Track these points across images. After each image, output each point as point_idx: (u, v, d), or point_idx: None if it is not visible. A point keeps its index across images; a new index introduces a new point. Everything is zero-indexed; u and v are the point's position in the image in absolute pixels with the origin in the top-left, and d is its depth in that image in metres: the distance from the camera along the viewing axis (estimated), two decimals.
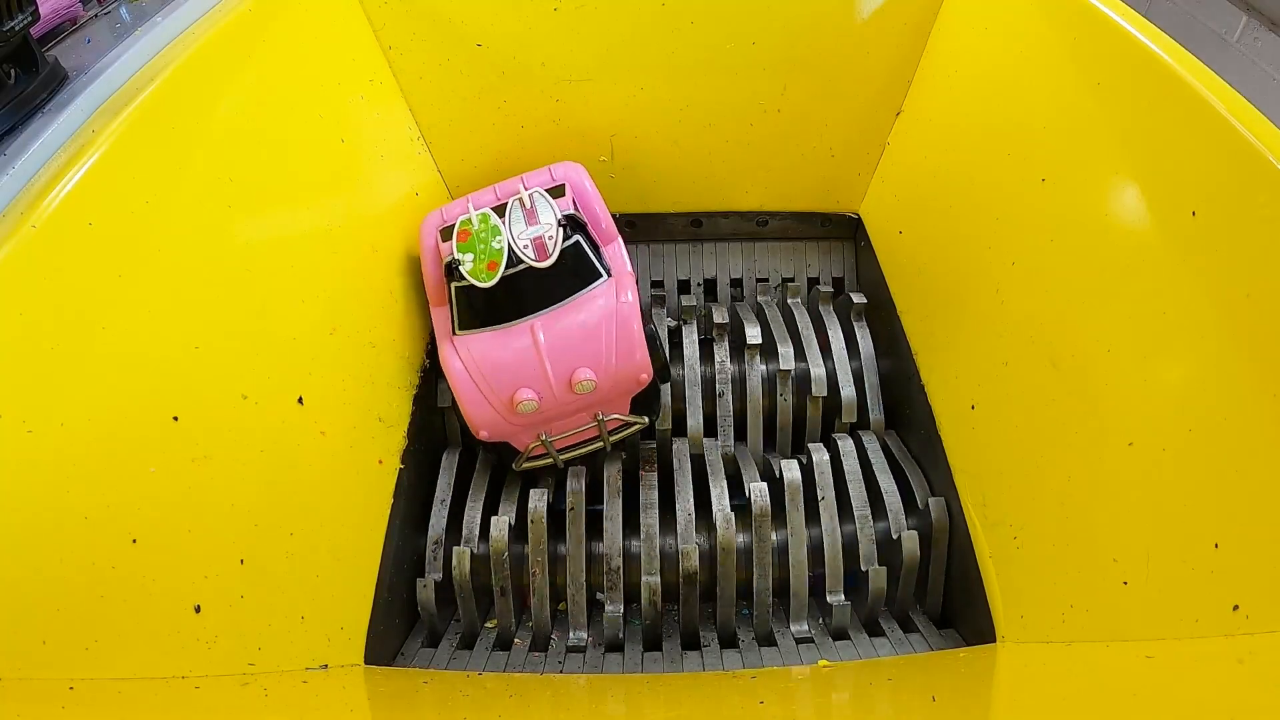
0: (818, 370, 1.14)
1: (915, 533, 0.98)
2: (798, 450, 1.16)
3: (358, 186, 1.10)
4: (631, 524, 1.03)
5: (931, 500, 1.00)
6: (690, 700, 0.81)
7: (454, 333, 1.04)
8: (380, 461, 0.99)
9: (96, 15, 1.02)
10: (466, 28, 1.20)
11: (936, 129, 1.17)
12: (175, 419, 0.73)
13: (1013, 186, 0.97)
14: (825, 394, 1.14)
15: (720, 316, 1.20)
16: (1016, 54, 1.03)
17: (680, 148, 1.28)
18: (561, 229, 1.02)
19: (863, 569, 0.97)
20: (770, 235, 1.36)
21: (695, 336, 1.20)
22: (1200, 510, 0.66)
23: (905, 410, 1.13)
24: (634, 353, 1.01)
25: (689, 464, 1.08)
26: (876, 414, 1.16)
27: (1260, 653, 0.57)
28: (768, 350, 1.18)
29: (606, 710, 0.80)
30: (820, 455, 1.06)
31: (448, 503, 1.04)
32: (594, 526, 1.03)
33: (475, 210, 1.05)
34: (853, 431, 1.13)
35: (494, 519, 1.00)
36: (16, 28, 0.78)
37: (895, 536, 0.98)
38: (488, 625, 1.01)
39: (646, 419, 1.08)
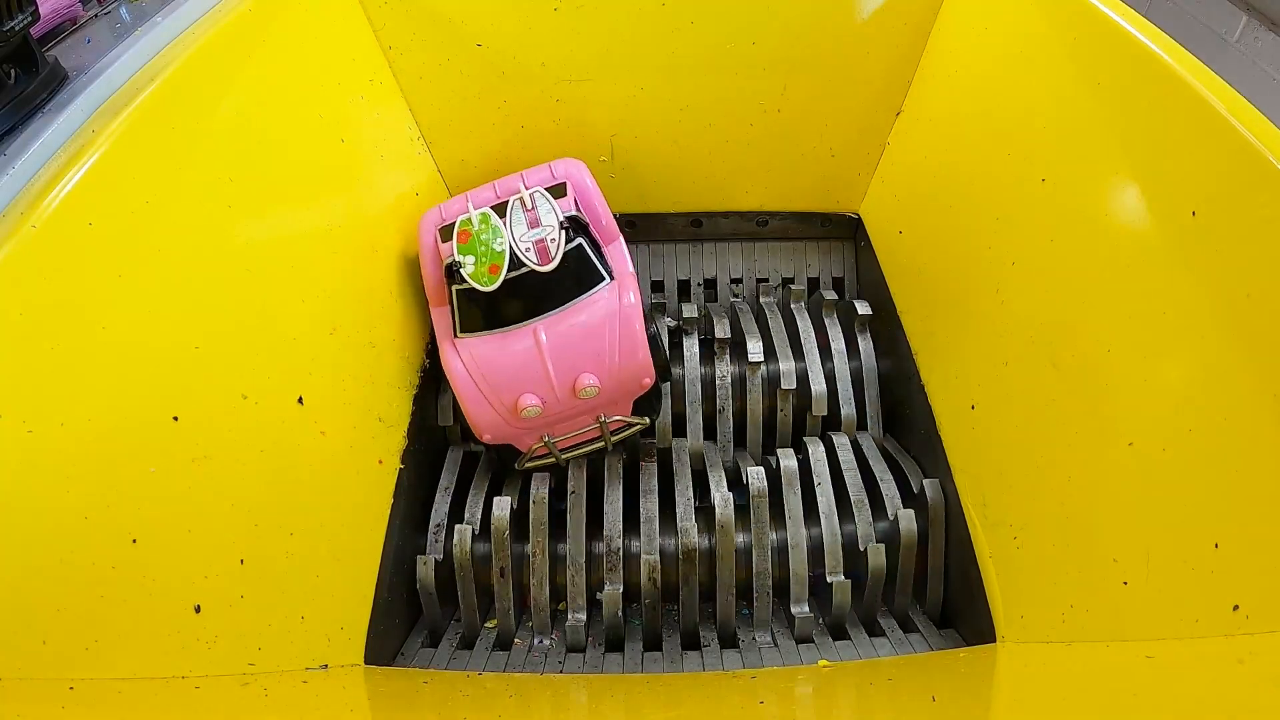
0: (818, 387, 1.14)
1: (911, 512, 0.98)
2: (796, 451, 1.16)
3: (358, 186, 1.10)
4: (631, 519, 1.03)
5: (927, 482, 1.00)
6: (690, 700, 0.81)
7: (455, 335, 1.04)
8: (380, 461, 0.99)
9: (96, 15, 1.02)
10: (466, 28, 1.20)
11: (936, 129, 1.17)
12: (175, 419, 0.73)
13: (1013, 186, 0.97)
14: (825, 413, 1.14)
15: (721, 330, 1.18)
16: (1016, 54, 1.03)
17: (680, 148, 1.28)
18: (564, 231, 1.01)
19: (861, 549, 0.97)
20: (770, 235, 1.36)
21: (696, 349, 1.19)
22: (1200, 510, 0.66)
23: (905, 410, 1.13)
24: (637, 357, 1.01)
25: (688, 458, 1.10)
26: (875, 429, 1.17)
27: (1260, 653, 0.57)
28: (769, 360, 1.17)
29: (606, 710, 0.80)
30: (817, 449, 1.07)
31: (451, 490, 1.05)
32: (594, 525, 1.03)
33: (475, 209, 1.04)
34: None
35: (496, 499, 1.01)
36: (16, 28, 0.78)
37: (893, 518, 0.99)
38: (488, 625, 1.01)
39: (648, 419, 1.08)
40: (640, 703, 0.80)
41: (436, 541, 1.01)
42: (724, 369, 1.17)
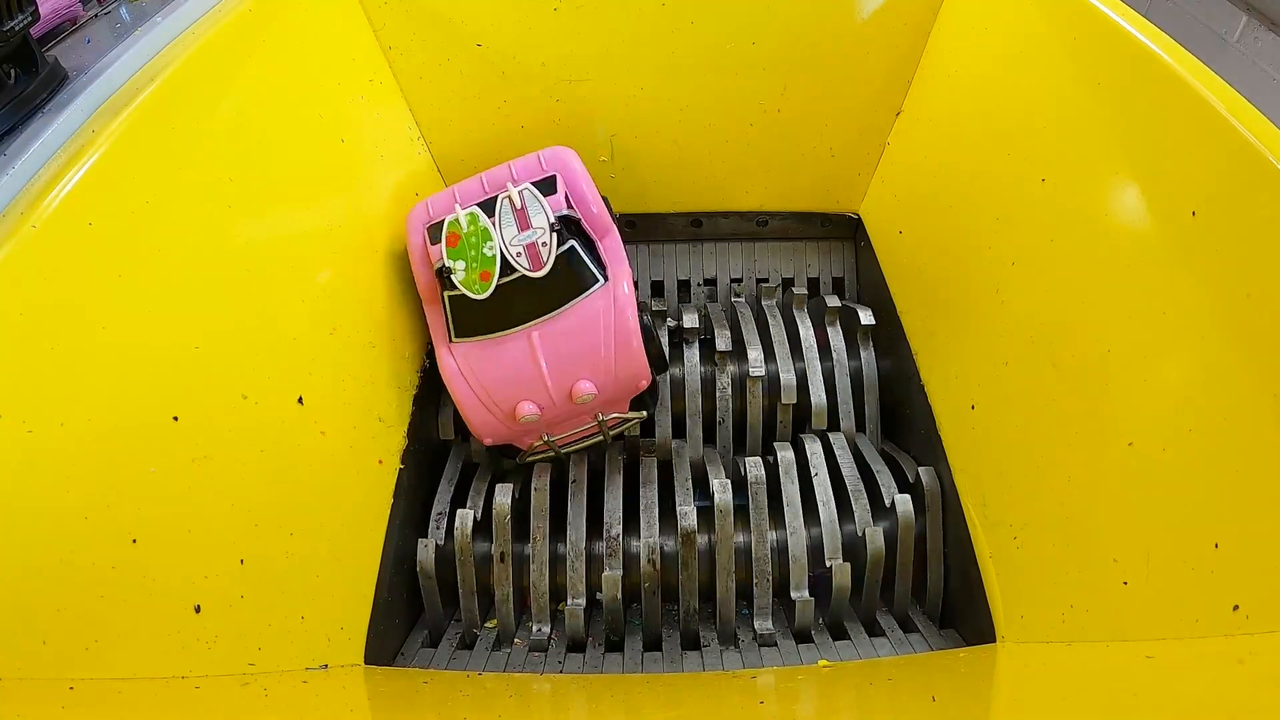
0: (819, 400, 1.14)
1: (908, 497, 0.99)
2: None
3: (358, 186, 1.10)
4: (632, 510, 1.03)
5: (922, 470, 1.01)
6: (690, 700, 0.81)
7: (450, 339, 1.04)
8: (380, 461, 0.99)
9: (96, 15, 1.02)
10: (466, 28, 1.20)
11: (936, 129, 1.17)
12: (175, 419, 0.73)
13: (1013, 186, 0.97)
14: (825, 426, 1.14)
15: (723, 342, 1.16)
16: (1016, 54, 1.03)
17: (680, 148, 1.28)
18: (555, 234, 0.99)
19: (859, 532, 0.98)
20: (770, 235, 1.36)
21: (696, 358, 1.17)
22: (1200, 510, 0.66)
23: (905, 410, 1.13)
24: (633, 361, 1.01)
25: (687, 454, 1.11)
26: (875, 438, 1.17)
27: (1260, 653, 0.57)
28: (770, 372, 1.16)
29: (606, 710, 0.80)
30: (814, 444, 1.07)
31: (455, 480, 1.06)
32: (594, 516, 1.03)
33: (462, 207, 1.02)
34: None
35: (499, 485, 1.01)
36: (16, 28, 0.78)
37: (889, 503, 0.99)
38: (488, 625, 1.01)
39: (645, 413, 1.08)
40: (640, 703, 0.80)
41: (438, 529, 1.01)
42: (724, 381, 1.16)
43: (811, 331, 1.18)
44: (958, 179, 1.09)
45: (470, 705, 0.80)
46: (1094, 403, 0.79)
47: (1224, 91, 0.73)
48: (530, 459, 1.07)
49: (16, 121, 0.76)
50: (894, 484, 1.02)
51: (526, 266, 0.98)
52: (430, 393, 1.12)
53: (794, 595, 0.96)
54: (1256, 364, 0.64)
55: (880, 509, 1.01)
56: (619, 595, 0.96)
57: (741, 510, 1.01)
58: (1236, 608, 0.60)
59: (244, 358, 0.83)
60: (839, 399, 1.15)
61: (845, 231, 1.35)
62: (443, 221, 1.02)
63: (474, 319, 1.02)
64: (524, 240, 0.99)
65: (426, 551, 0.99)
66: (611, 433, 1.07)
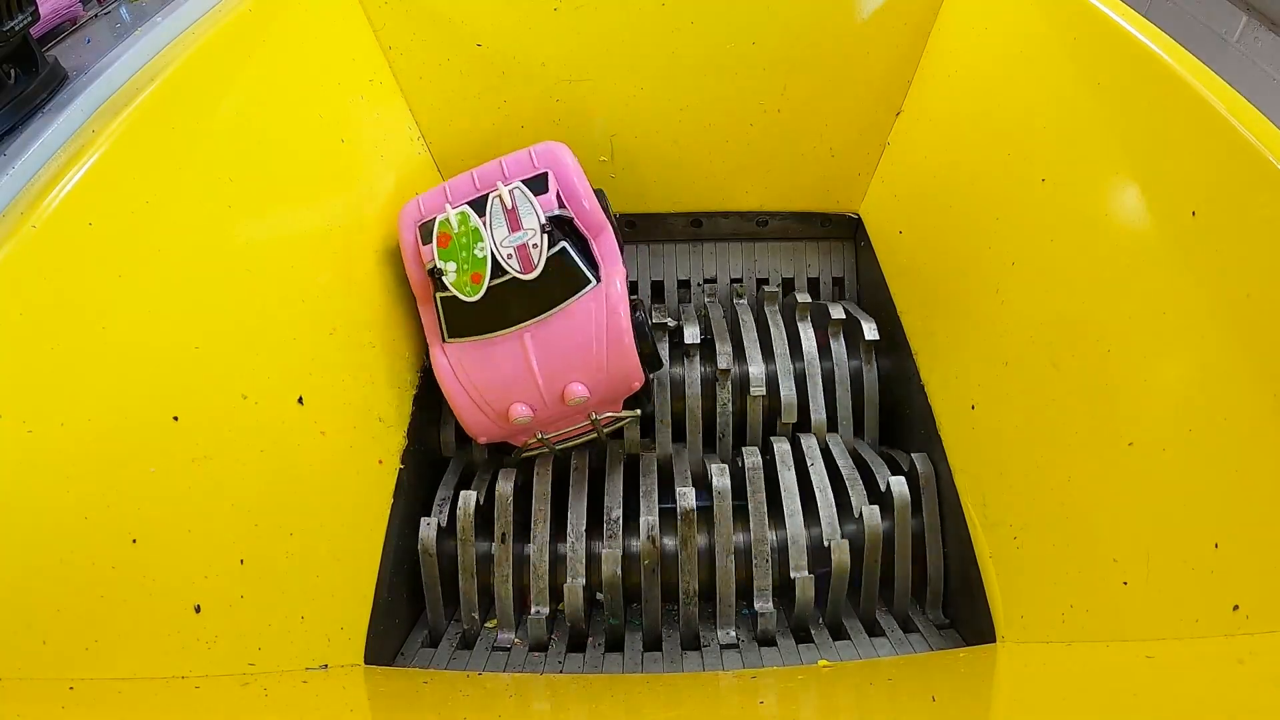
0: (819, 415, 1.13)
1: (902, 478, 1.00)
2: None
3: (358, 186, 1.10)
4: (631, 502, 1.04)
5: (916, 456, 1.02)
6: (690, 700, 0.81)
7: (443, 339, 1.04)
8: (380, 461, 0.99)
9: (96, 15, 1.02)
10: (466, 28, 1.20)
11: (936, 129, 1.17)
12: (175, 419, 0.73)
13: (1013, 186, 0.97)
14: (824, 440, 1.14)
15: (725, 361, 1.15)
16: (1016, 54, 1.03)
17: (680, 148, 1.28)
18: (546, 236, 0.98)
19: (856, 515, 0.99)
20: (770, 235, 1.36)
21: (697, 374, 1.17)
22: (1200, 510, 0.66)
23: (905, 410, 1.13)
24: (626, 364, 1.01)
25: (686, 455, 1.13)
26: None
27: (1260, 653, 0.57)
28: (770, 390, 1.16)
29: (606, 710, 0.80)
30: (810, 440, 1.08)
31: (459, 473, 1.07)
32: (595, 517, 1.03)
33: (453, 206, 1.01)
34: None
35: (501, 470, 1.03)
36: (16, 28, 0.78)
37: (884, 489, 1.00)
38: (487, 626, 1.01)
39: (639, 411, 1.08)
40: (640, 703, 0.80)
41: (441, 512, 1.02)
42: (725, 397, 1.16)
43: (814, 342, 1.17)
44: (958, 179, 1.09)
45: (470, 705, 0.80)
46: (1094, 403, 0.79)
47: (1224, 91, 0.73)
48: (526, 454, 1.07)
49: (16, 121, 0.76)
50: (889, 473, 1.03)
51: (517, 269, 0.98)
52: (431, 393, 1.12)
53: (794, 575, 0.97)
54: (1256, 364, 0.64)
55: (877, 495, 1.02)
56: (618, 571, 0.97)
57: (740, 495, 1.02)
58: (1236, 608, 0.60)
59: (244, 358, 0.83)
60: (839, 413, 1.16)
61: (845, 231, 1.35)
62: (433, 220, 1.01)
63: (466, 320, 1.02)
64: (515, 242, 0.98)
65: (429, 530, 0.99)
66: (606, 430, 1.07)
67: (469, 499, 1.00)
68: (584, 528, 1.00)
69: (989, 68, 1.08)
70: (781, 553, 1.00)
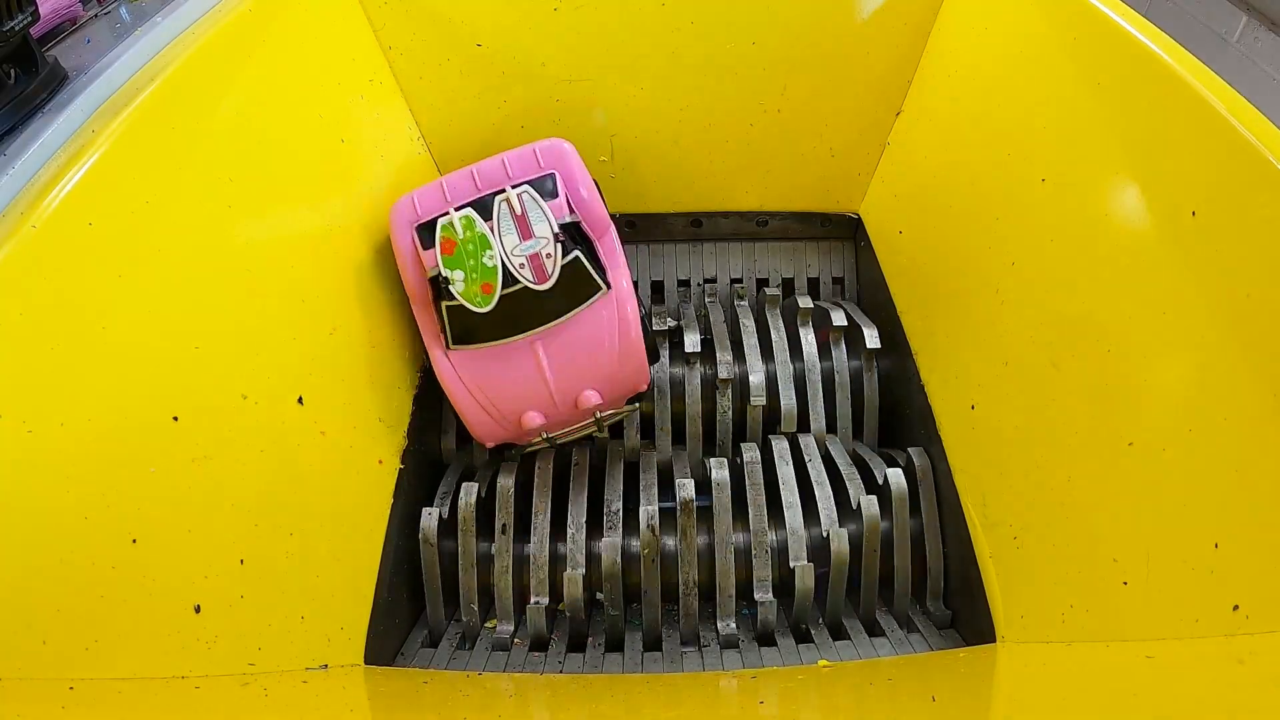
0: (819, 424, 1.14)
1: (899, 471, 1.01)
2: None
3: (358, 186, 1.10)
4: (631, 502, 1.05)
5: (912, 450, 1.03)
6: (690, 700, 0.81)
7: (448, 346, 1.00)
8: (380, 461, 0.99)
9: (96, 15, 1.02)
10: (466, 28, 1.20)
11: (936, 129, 1.17)
12: (175, 419, 0.73)
13: (1013, 186, 0.97)
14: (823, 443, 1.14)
15: (725, 369, 1.14)
16: (1016, 54, 1.03)
17: (680, 148, 1.28)
18: (559, 244, 0.95)
19: (854, 506, 0.99)
20: (770, 235, 1.36)
21: (698, 381, 1.17)
22: (1200, 510, 0.66)
23: (905, 410, 1.13)
24: (636, 367, 1.01)
25: (686, 456, 1.13)
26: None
27: (1260, 653, 0.57)
28: (771, 396, 1.16)
29: (606, 710, 0.80)
30: (808, 439, 1.09)
31: (460, 471, 1.08)
32: (595, 513, 1.03)
33: (455, 208, 0.97)
34: None
35: (503, 464, 1.04)
36: (16, 28, 0.78)
37: (882, 481, 1.00)
38: (487, 625, 1.01)
39: (638, 405, 1.09)
40: (640, 703, 0.80)
41: (443, 503, 1.02)
42: (725, 405, 1.16)
43: (815, 349, 1.16)
44: (958, 179, 1.09)
45: (470, 705, 0.80)
46: (1094, 403, 0.79)
47: (1224, 91, 0.73)
48: (528, 450, 1.07)
49: (16, 121, 0.76)
50: (885, 467, 1.03)
51: (531, 279, 0.95)
52: (431, 393, 1.12)
53: (793, 564, 0.97)
54: (1256, 364, 0.64)
55: (874, 489, 1.02)
56: (618, 561, 0.97)
57: (739, 489, 1.03)
58: (1236, 608, 0.60)
59: (244, 358, 0.83)
60: (839, 420, 1.16)
61: (845, 231, 1.35)
62: (434, 223, 0.96)
63: (473, 329, 0.98)
64: (527, 250, 0.94)
65: (430, 519, 0.99)
66: (606, 424, 1.07)
67: (470, 490, 1.00)
68: (584, 520, 1.00)
69: (989, 68, 1.08)
70: (781, 547, 1.00)
